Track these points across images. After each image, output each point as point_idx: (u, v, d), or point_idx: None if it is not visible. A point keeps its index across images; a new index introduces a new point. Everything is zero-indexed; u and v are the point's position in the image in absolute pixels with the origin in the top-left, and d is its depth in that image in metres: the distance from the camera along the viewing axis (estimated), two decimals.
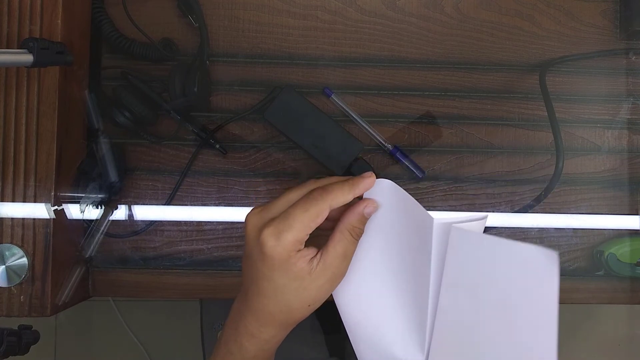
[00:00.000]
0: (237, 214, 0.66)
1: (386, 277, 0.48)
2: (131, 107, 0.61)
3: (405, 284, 0.47)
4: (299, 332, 0.79)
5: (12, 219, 0.55)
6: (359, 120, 0.66)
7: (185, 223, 0.65)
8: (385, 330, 0.48)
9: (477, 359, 0.42)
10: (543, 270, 0.38)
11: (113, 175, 0.62)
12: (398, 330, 0.47)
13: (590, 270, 0.67)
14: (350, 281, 0.48)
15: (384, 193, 0.46)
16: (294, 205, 0.43)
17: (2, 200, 0.55)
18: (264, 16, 0.67)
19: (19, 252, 0.55)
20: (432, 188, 0.67)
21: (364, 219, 0.46)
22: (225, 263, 0.65)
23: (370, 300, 0.49)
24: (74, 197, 0.60)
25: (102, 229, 0.64)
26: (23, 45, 0.49)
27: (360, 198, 0.46)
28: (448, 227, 0.43)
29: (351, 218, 0.45)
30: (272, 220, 0.43)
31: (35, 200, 0.55)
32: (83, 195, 0.61)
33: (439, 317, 0.45)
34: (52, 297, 0.56)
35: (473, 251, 0.42)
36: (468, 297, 0.43)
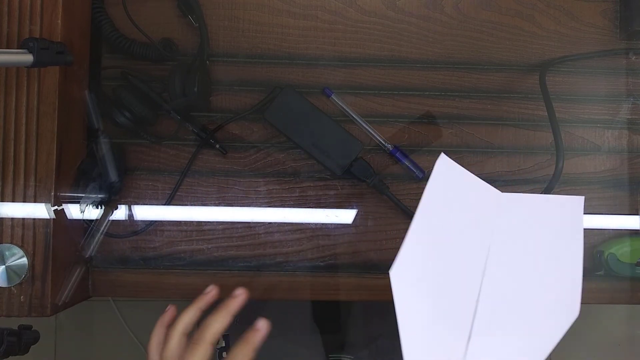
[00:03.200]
0: (237, 214, 0.66)
1: (447, 254, 0.50)
2: (131, 107, 0.61)
3: (465, 259, 0.50)
4: (295, 332, 0.79)
5: (12, 219, 0.55)
6: (359, 120, 0.66)
7: (185, 223, 0.65)
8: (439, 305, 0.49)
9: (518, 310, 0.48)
10: (571, 214, 0.47)
11: (113, 175, 0.62)
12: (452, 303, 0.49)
13: (590, 270, 0.67)
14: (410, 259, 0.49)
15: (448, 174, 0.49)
16: None
17: (2, 200, 0.55)
18: (264, 16, 0.67)
19: (19, 252, 0.55)
20: None
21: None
22: (225, 263, 0.65)
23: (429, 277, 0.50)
24: (74, 197, 0.60)
25: (102, 229, 0.64)
26: (23, 45, 0.49)
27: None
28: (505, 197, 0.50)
29: None
30: None
31: (35, 200, 0.55)
32: (83, 195, 0.61)
33: (485, 287, 0.49)
34: (52, 297, 0.56)
35: (519, 212, 0.49)
36: (511, 259, 0.48)
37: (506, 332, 0.48)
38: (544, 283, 0.48)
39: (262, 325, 0.50)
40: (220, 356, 0.76)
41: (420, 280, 0.49)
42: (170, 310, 0.51)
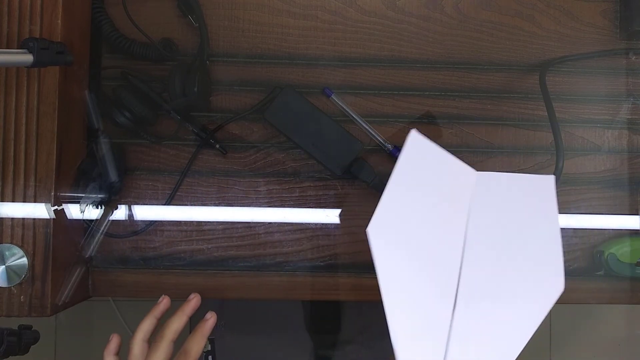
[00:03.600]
0: (237, 214, 0.66)
1: (423, 230, 0.51)
2: (131, 107, 0.61)
3: (441, 234, 0.51)
4: (286, 332, 0.79)
5: (12, 219, 0.55)
6: (359, 120, 0.66)
7: (185, 223, 0.65)
8: (421, 278, 0.50)
9: (498, 290, 0.50)
10: (543, 193, 0.50)
11: (113, 175, 0.62)
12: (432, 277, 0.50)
13: (590, 270, 0.67)
14: (388, 229, 0.50)
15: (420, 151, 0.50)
16: None
17: (2, 200, 0.55)
18: (264, 16, 0.67)
19: (19, 252, 0.55)
20: None
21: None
22: (225, 263, 0.65)
23: (408, 249, 0.51)
24: (74, 197, 0.60)
25: (102, 229, 0.64)
26: (23, 45, 0.49)
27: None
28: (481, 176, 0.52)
29: None
30: None
31: (35, 200, 0.55)
32: (83, 195, 0.61)
33: (466, 259, 0.50)
34: (52, 297, 0.56)
35: (494, 189, 0.52)
36: (490, 234, 0.50)
37: (492, 301, 0.49)
38: (524, 257, 0.50)
39: (210, 316, 0.57)
40: (207, 359, 0.77)
41: (398, 241, 0.50)
42: (114, 339, 0.56)
